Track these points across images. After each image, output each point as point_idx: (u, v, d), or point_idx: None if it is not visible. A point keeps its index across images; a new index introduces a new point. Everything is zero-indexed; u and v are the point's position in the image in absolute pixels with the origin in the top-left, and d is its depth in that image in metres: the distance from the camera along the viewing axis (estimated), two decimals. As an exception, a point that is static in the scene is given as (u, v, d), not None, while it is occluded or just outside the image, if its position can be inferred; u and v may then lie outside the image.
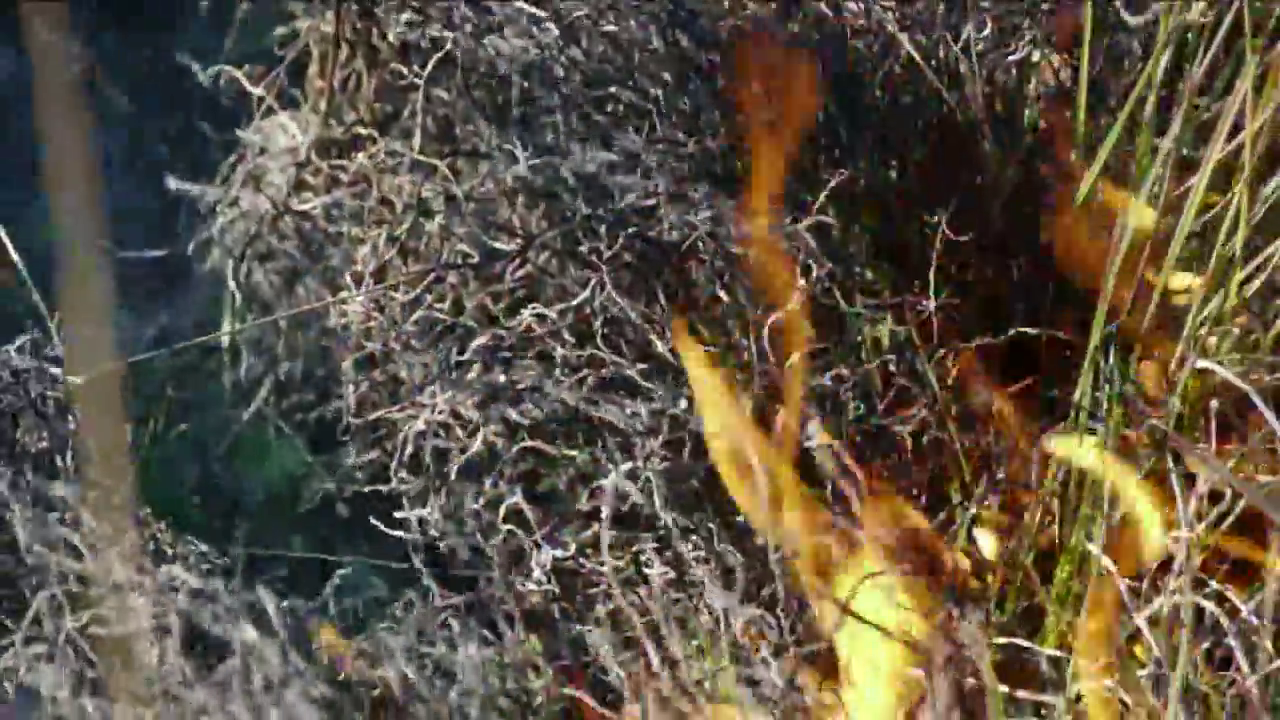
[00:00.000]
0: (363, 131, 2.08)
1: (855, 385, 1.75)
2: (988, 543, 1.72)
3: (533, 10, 1.92)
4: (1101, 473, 1.63)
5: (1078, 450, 1.66)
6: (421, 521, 1.78)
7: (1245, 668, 1.49)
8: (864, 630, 1.58)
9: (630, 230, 1.75)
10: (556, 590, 1.74)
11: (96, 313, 1.79)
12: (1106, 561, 1.58)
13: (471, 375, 1.80)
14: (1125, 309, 1.70)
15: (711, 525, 1.72)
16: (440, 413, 1.81)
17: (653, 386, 1.72)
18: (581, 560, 1.77)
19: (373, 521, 1.84)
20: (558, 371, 1.77)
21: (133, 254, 2.23)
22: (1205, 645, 1.56)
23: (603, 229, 1.76)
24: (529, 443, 1.80)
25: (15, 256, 1.89)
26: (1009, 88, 1.91)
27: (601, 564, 1.75)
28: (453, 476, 1.80)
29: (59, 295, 1.83)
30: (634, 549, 1.77)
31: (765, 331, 1.72)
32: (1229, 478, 1.58)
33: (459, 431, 1.80)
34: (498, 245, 1.86)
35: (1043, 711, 1.59)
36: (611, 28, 1.91)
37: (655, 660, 1.57)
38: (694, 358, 1.69)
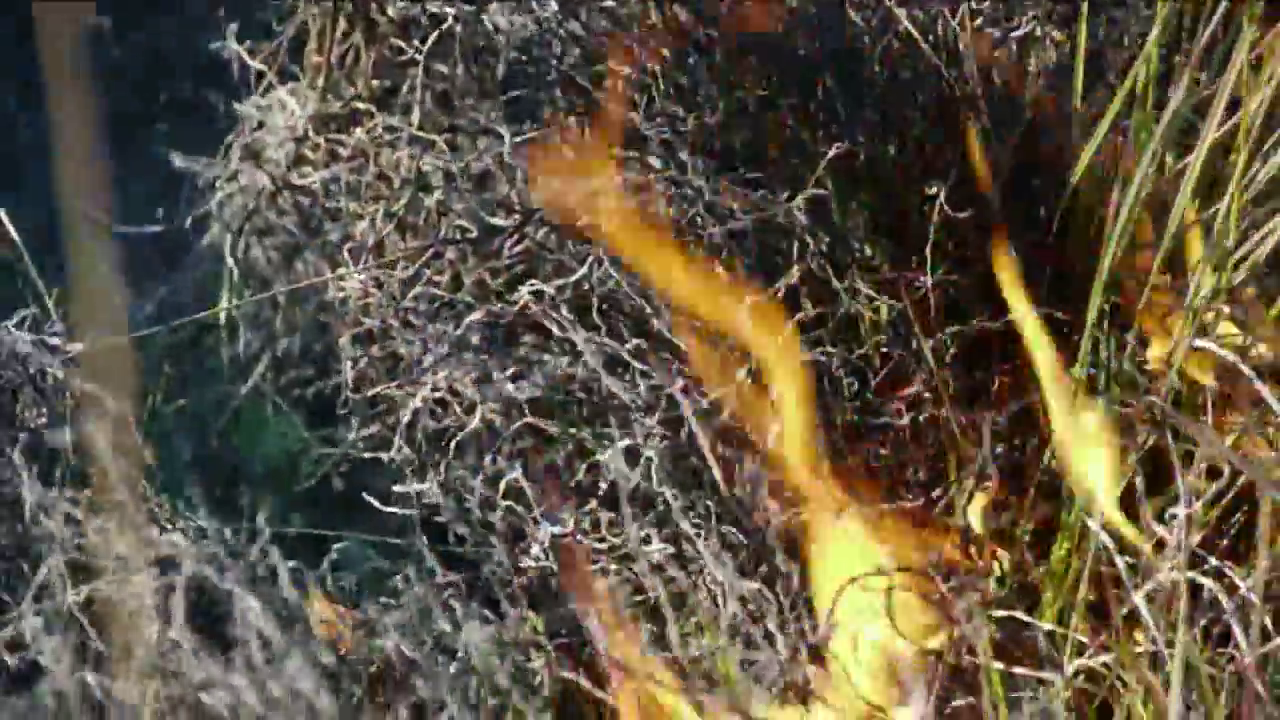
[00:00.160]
0: (361, 107, 2.07)
1: (850, 363, 1.75)
2: (976, 518, 1.72)
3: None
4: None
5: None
6: (420, 497, 1.77)
7: (1243, 645, 1.49)
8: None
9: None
10: (555, 567, 1.74)
11: (98, 288, 1.79)
12: (1105, 538, 1.58)
13: (469, 353, 1.80)
14: (1124, 285, 1.70)
15: (710, 503, 1.72)
16: (438, 390, 1.81)
17: (648, 366, 1.71)
18: (580, 537, 1.77)
19: (372, 497, 1.84)
20: (555, 348, 1.77)
21: (132, 229, 2.23)
22: (1203, 622, 1.56)
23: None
24: (528, 419, 1.80)
25: (14, 234, 1.89)
26: (1009, 63, 1.90)
27: (601, 540, 1.76)
28: (451, 452, 1.79)
29: (66, 270, 1.83)
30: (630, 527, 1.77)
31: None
32: (1228, 454, 1.58)
33: (457, 408, 1.80)
34: (496, 221, 1.86)
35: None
36: (609, 2, 1.91)
37: (651, 639, 1.58)
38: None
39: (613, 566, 1.76)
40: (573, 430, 1.79)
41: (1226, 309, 1.65)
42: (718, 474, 1.68)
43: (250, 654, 1.50)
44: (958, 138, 1.88)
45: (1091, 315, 1.65)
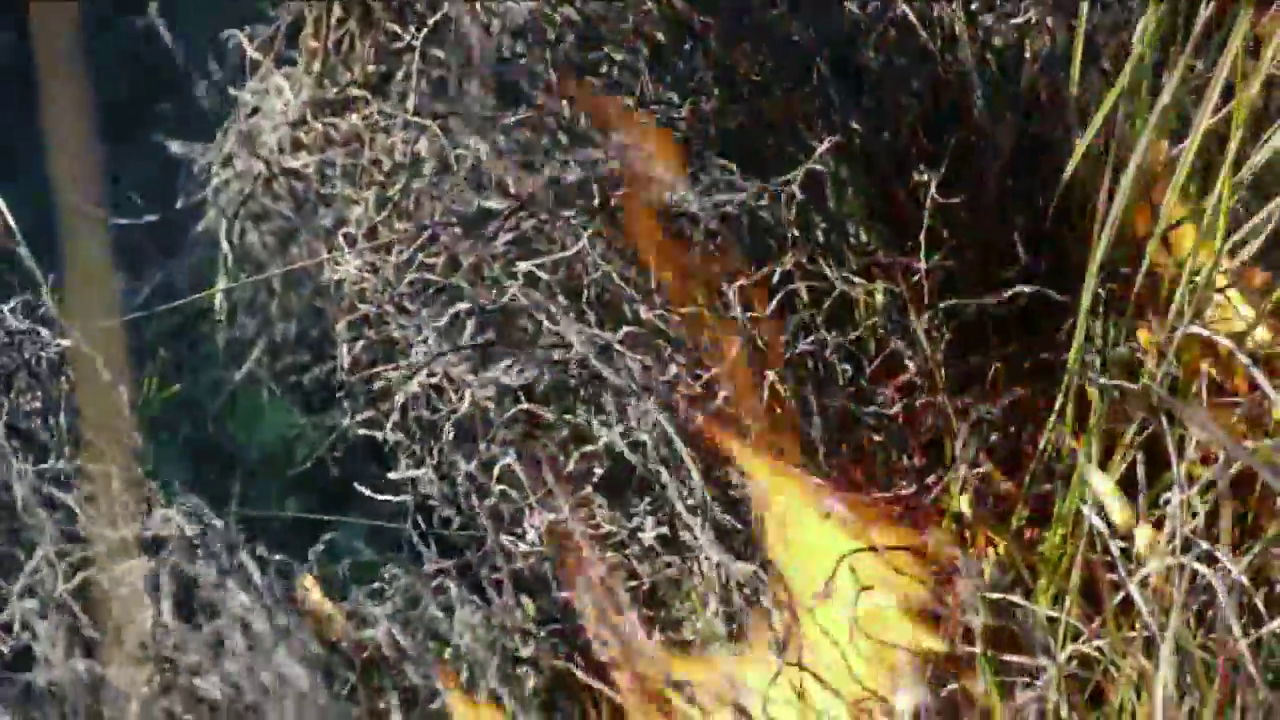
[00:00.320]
0: (356, 93, 2.07)
1: (844, 348, 1.74)
2: (969, 505, 1.72)
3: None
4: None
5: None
6: (414, 483, 1.77)
7: (1237, 630, 1.48)
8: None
9: (622, 190, 1.75)
10: (549, 553, 1.74)
11: (92, 274, 1.79)
12: (1099, 523, 1.58)
13: (463, 338, 1.80)
14: (1120, 270, 1.70)
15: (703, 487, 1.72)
16: (433, 375, 1.80)
17: (639, 355, 1.71)
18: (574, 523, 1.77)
19: (366, 483, 1.84)
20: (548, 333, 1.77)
21: (127, 220, 2.23)
22: (1196, 607, 1.55)
23: (594, 188, 1.75)
24: (523, 405, 1.80)
25: (9, 218, 1.88)
26: (1006, 48, 1.90)
27: (596, 526, 1.76)
28: (445, 438, 1.79)
29: (61, 257, 1.83)
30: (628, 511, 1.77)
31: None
32: (1224, 440, 1.57)
33: (451, 395, 1.80)
34: (491, 205, 1.85)
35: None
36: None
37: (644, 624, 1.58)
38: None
39: (608, 553, 1.77)
40: (567, 416, 1.79)
41: (1220, 296, 1.65)
42: (690, 461, 1.68)
43: (238, 641, 1.51)
44: (954, 123, 1.88)
45: (1086, 301, 1.64)
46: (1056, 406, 1.68)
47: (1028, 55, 1.91)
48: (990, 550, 1.72)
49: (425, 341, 1.77)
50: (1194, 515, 1.57)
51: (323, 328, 2.18)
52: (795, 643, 1.60)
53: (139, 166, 2.37)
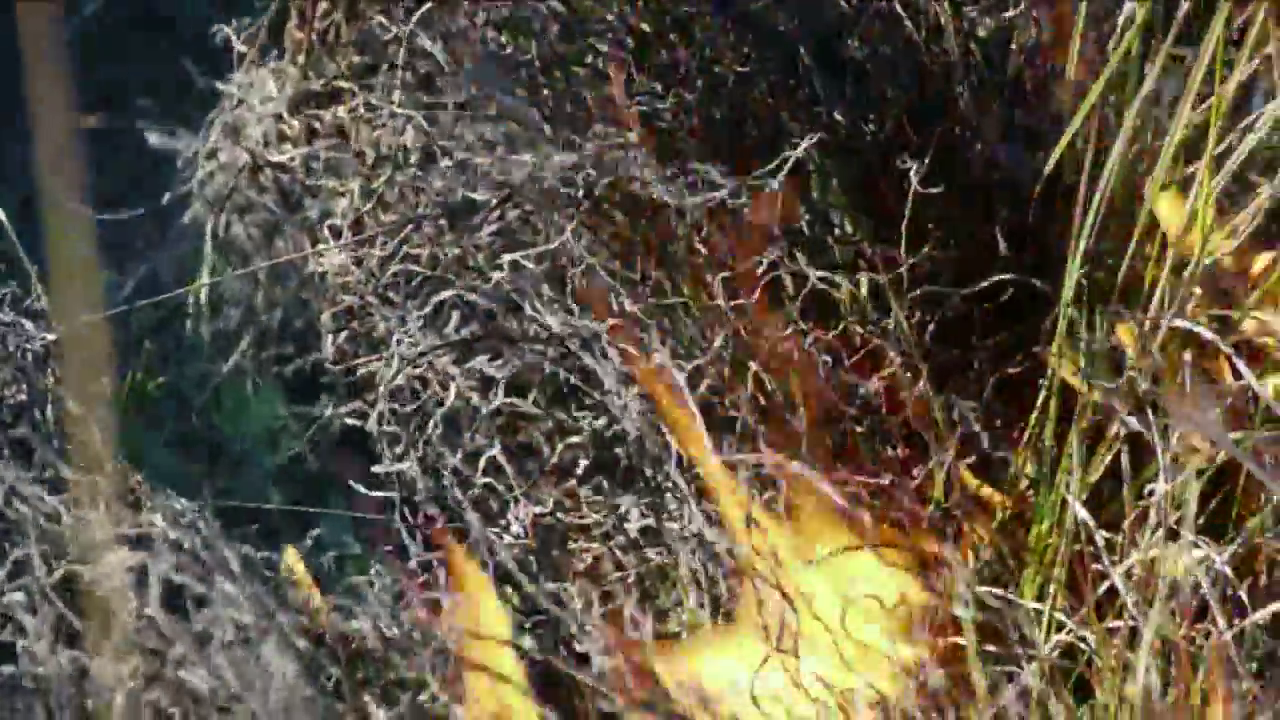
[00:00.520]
0: (343, 85, 2.07)
1: (827, 340, 1.74)
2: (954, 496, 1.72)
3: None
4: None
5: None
6: (399, 476, 1.77)
7: (1221, 621, 1.49)
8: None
9: (607, 180, 1.75)
10: (534, 545, 1.74)
11: (76, 267, 1.79)
12: (1083, 513, 1.58)
13: (448, 329, 1.80)
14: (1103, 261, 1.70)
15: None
16: (418, 366, 1.80)
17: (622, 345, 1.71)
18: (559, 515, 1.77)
19: (352, 475, 1.83)
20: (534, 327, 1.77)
21: (111, 215, 2.23)
22: (1177, 598, 1.55)
23: (580, 178, 1.75)
24: (506, 400, 1.80)
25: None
26: (991, 39, 1.90)
27: (581, 517, 1.76)
28: (430, 429, 1.79)
29: (44, 249, 1.83)
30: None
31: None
32: (1210, 430, 1.57)
33: (436, 386, 1.80)
34: (475, 196, 1.85)
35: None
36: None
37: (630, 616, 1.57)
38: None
39: (593, 544, 1.77)
40: (551, 409, 1.79)
41: (1200, 290, 1.65)
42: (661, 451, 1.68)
43: (223, 634, 1.50)
44: (939, 114, 1.88)
45: (1068, 292, 1.64)
46: (1039, 399, 1.68)
47: (1014, 46, 1.91)
48: (976, 541, 1.72)
49: (409, 333, 1.77)
50: (1178, 506, 1.57)
51: (308, 320, 2.18)
52: (784, 630, 1.59)
53: (124, 160, 2.37)
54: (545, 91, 1.88)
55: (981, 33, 1.90)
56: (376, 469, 1.79)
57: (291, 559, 1.65)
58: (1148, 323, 1.64)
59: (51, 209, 1.87)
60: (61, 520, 1.63)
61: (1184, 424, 1.57)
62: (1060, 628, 1.60)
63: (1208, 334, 1.60)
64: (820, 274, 1.73)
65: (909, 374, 1.72)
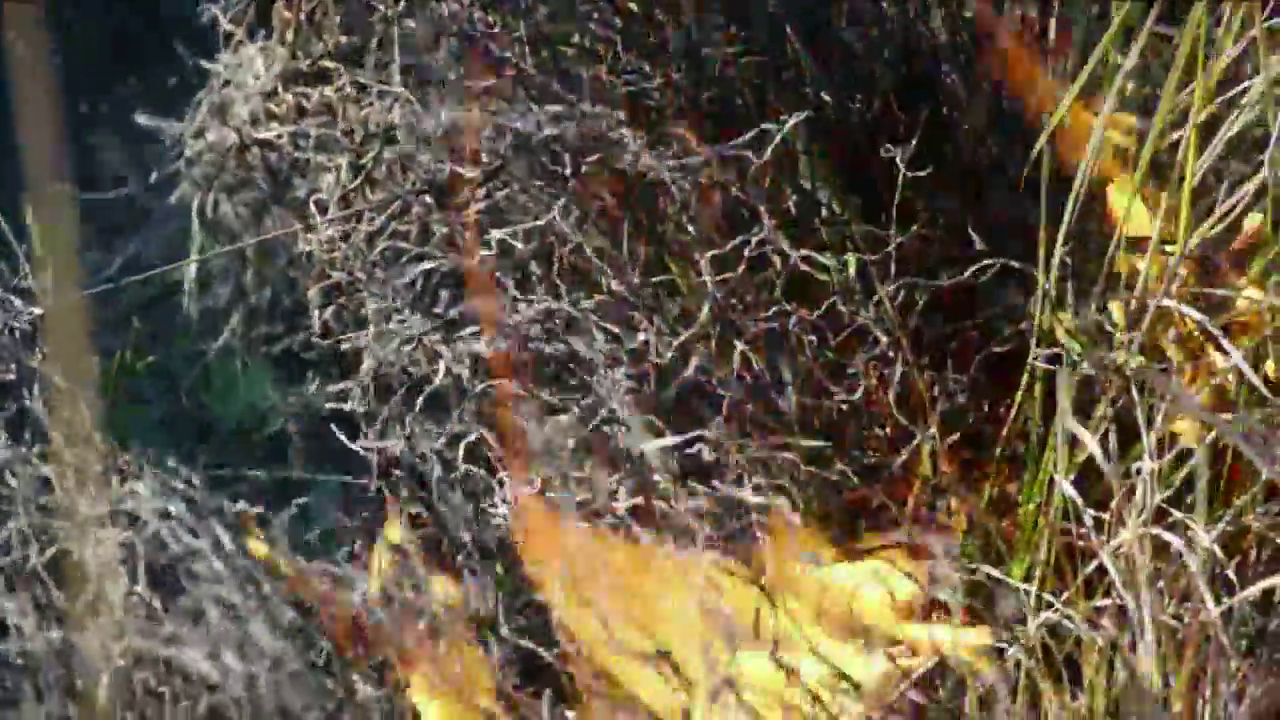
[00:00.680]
0: (330, 65, 2.07)
1: (813, 321, 1.74)
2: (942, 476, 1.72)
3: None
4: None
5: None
6: (384, 454, 1.77)
7: (1209, 601, 1.49)
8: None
9: (594, 158, 1.74)
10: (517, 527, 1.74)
11: (65, 243, 1.79)
12: (1071, 491, 1.58)
13: (436, 307, 1.80)
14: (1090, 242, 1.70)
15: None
16: (409, 344, 1.80)
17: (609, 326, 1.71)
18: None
19: (341, 449, 1.83)
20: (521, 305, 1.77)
21: (98, 195, 2.22)
22: (1164, 578, 1.56)
23: (566, 156, 1.75)
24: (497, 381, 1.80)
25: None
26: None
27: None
28: (416, 409, 1.79)
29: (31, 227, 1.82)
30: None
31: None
32: (1197, 410, 1.58)
33: (423, 363, 1.80)
34: (462, 172, 1.85)
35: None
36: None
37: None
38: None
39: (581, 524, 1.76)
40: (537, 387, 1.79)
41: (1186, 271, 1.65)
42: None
43: (211, 611, 1.50)
44: (927, 94, 1.88)
45: (1053, 272, 1.64)
46: (1024, 379, 1.68)
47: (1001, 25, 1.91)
48: (962, 520, 1.72)
49: (398, 310, 1.77)
50: (1166, 485, 1.57)
51: (297, 298, 2.18)
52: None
53: (112, 139, 2.36)
54: (533, 70, 1.87)
55: (968, 13, 1.90)
56: (357, 445, 1.79)
57: (256, 547, 1.65)
58: (1133, 302, 1.64)
59: (36, 192, 1.86)
60: (50, 496, 1.63)
61: (1170, 401, 1.57)
62: (1048, 606, 1.60)
63: (1192, 313, 1.60)
64: (805, 253, 1.73)
65: (896, 351, 1.72)
